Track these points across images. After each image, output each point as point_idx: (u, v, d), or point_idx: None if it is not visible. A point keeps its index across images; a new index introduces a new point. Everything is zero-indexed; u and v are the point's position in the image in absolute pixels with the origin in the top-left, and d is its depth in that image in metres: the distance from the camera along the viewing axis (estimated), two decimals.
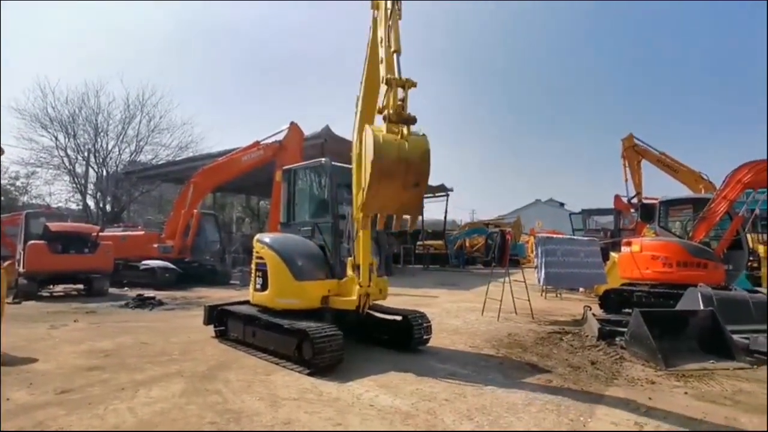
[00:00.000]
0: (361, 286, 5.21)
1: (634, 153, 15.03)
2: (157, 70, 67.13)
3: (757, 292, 8.28)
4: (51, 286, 12.00)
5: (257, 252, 5.82)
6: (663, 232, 9.38)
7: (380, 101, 4.18)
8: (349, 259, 5.43)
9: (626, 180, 15.21)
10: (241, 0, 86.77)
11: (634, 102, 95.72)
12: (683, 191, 13.50)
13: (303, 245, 5.78)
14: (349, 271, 5.36)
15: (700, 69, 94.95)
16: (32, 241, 11.11)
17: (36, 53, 50.33)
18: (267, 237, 5.93)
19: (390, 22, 4.49)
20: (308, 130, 14.69)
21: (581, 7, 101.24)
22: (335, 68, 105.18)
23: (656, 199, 10.44)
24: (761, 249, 11.60)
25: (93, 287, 11.44)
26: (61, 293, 11.90)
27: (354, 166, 5.22)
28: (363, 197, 4.03)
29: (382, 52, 4.35)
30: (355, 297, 5.20)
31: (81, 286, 11.91)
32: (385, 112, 3.87)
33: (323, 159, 6.22)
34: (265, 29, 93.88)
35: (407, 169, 3.79)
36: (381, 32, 4.55)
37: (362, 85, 5.29)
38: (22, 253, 11.22)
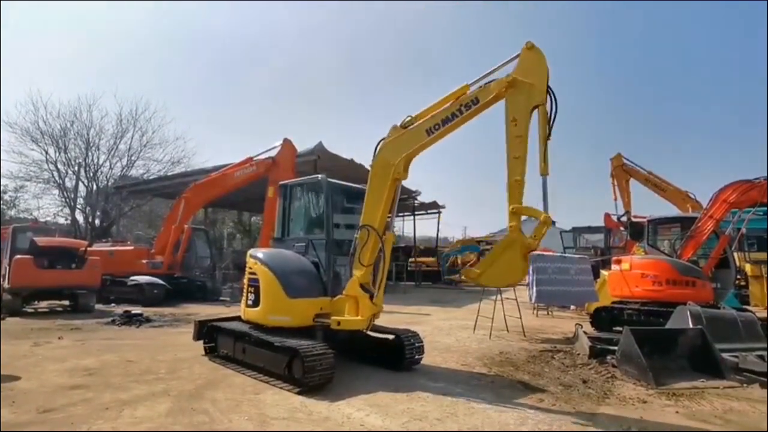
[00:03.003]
0: (375, 305, 5.22)
1: (622, 172, 15.27)
2: (150, 85, 67.33)
3: (746, 310, 8.37)
4: (36, 302, 11.75)
5: (250, 267, 5.77)
6: (652, 250, 9.49)
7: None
8: (355, 277, 5.23)
9: (615, 199, 15.41)
10: (237, 17, 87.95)
11: (623, 121, 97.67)
12: (672, 210, 13.70)
13: (297, 262, 5.76)
14: (353, 291, 5.20)
15: (690, 88, 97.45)
16: (18, 256, 10.92)
17: (29, 66, 50.36)
18: (260, 252, 5.89)
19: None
20: (301, 146, 14.76)
21: (568, 25, 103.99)
22: (329, 85, 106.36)
23: (645, 217, 10.59)
24: (748, 267, 11.75)
25: (79, 303, 11.22)
26: (46, 309, 11.66)
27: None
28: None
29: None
30: (365, 317, 5.16)
31: (66, 303, 11.69)
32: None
33: (319, 175, 6.25)
34: (260, 45, 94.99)
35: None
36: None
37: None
38: (7, 268, 11.01)
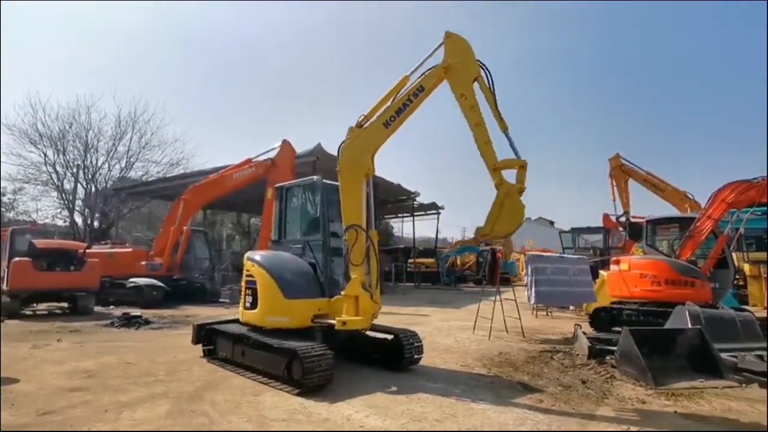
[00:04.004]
0: (375, 303, 5.33)
1: (621, 173, 15.28)
2: (149, 86, 67.33)
3: (744, 310, 8.38)
4: (34, 304, 11.73)
5: (247, 270, 5.78)
6: (651, 250, 9.49)
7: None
8: (355, 277, 5.25)
9: (614, 199, 15.41)
10: (238, 17, 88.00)
11: (622, 121, 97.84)
12: (670, 210, 13.71)
13: (293, 263, 5.76)
14: (355, 290, 5.20)
15: (688, 87, 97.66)
16: (17, 258, 10.91)
17: (27, 68, 50.34)
18: (257, 255, 5.90)
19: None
20: (300, 147, 14.76)
21: (568, 25, 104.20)
22: (328, 85, 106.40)
23: (644, 217, 10.60)
24: (747, 267, 11.76)
25: (78, 305, 11.21)
26: (45, 312, 11.64)
27: None
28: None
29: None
30: (366, 316, 5.21)
31: (65, 305, 11.67)
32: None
33: (315, 177, 6.26)
34: (260, 45, 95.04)
35: None
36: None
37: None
38: (6, 270, 10.99)
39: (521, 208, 5.09)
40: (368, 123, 5.53)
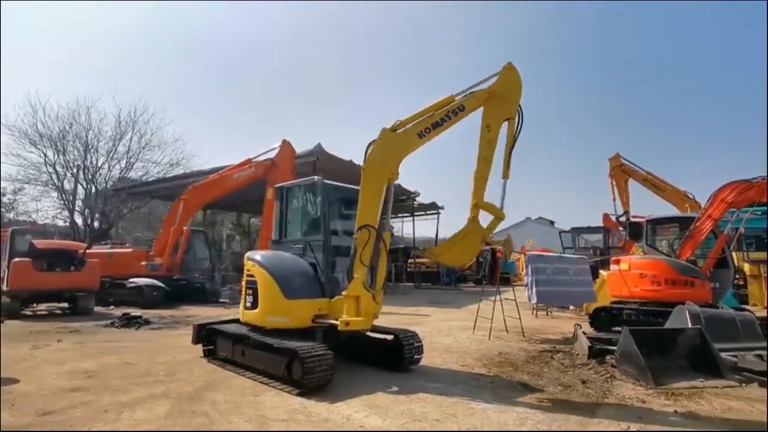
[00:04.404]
0: (377, 304, 5.37)
1: (621, 172, 15.29)
2: (148, 86, 67.37)
3: (744, 310, 8.38)
4: (34, 305, 11.73)
5: (248, 270, 5.78)
6: (650, 250, 9.50)
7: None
8: (358, 277, 5.21)
9: (614, 199, 15.42)
10: (238, 17, 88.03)
11: (622, 121, 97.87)
12: (670, 210, 13.71)
13: (294, 263, 5.76)
14: (357, 291, 5.18)
15: (688, 87, 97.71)
16: (17, 259, 10.91)
17: (27, 68, 50.36)
18: (258, 255, 5.90)
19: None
20: (300, 148, 14.77)
21: (567, 24, 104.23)
22: (328, 86, 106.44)
23: (644, 217, 10.60)
24: (747, 267, 11.77)
25: (78, 306, 11.21)
26: (45, 312, 11.65)
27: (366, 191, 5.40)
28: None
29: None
30: (368, 317, 5.22)
31: (65, 305, 11.68)
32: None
33: (316, 177, 6.26)
34: (259, 46, 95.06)
35: None
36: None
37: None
38: (6, 270, 11.00)
39: (475, 251, 5.68)
40: (402, 129, 5.48)
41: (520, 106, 5.58)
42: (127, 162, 27.56)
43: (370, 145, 5.42)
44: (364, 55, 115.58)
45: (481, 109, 5.57)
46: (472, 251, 5.60)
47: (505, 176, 5.54)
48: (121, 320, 9.71)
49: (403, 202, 24.73)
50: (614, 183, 15.38)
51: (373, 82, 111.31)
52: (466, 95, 5.55)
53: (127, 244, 18.12)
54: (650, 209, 12.74)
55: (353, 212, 5.52)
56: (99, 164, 26.90)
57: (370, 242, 5.23)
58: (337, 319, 5.27)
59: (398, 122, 5.50)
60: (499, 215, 5.41)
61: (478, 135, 5.57)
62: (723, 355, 5.59)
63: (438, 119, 5.49)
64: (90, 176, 26.69)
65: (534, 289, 8.90)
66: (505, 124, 5.55)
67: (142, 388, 4.78)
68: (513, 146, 5.55)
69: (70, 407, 4.14)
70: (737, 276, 10.39)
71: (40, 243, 11.68)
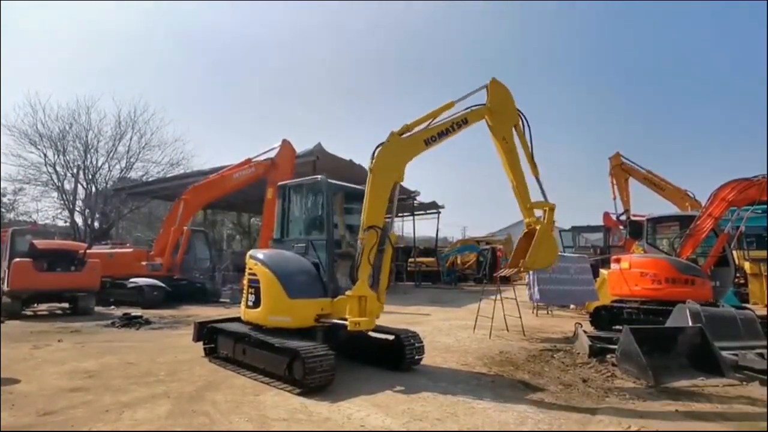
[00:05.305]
0: (381, 304, 5.39)
1: (621, 171, 15.29)
2: (148, 86, 67.35)
3: (745, 308, 8.37)
4: (35, 305, 11.73)
5: (250, 268, 5.77)
6: (651, 249, 9.49)
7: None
8: (363, 278, 5.20)
9: (614, 197, 15.43)
10: (238, 17, 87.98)
11: (622, 120, 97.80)
12: (671, 208, 13.71)
13: (297, 262, 5.75)
14: (362, 291, 5.16)
15: (689, 87, 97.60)
16: (17, 259, 10.91)
17: (27, 68, 50.34)
18: (261, 253, 5.88)
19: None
20: (300, 147, 14.76)
21: (567, 23, 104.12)
22: (328, 85, 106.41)
23: (644, 216, 10.59)
24: (747, 266, 11.76)
25: (78, 306, 11.20)
26: (45, 312, 11.65)
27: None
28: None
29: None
30: (372, 317, 5.22)
31: (66, 305, 11.67)
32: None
33: (319, 176, 6.24)
34: (259, 46, 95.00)
35: None
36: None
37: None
38: (6, 271, 11.00)
39: (556, 245, 6.16)
40: (409, 134, 5.63)
41: (519, 110, 6.11)
42: (127, 162, 27.59)
43: (377, 147, 5.46)
44: (364, 55, 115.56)
45: (483, 122, 6.03)
46: (555, 247, 6.08)
47: (535, 174, 6.11)
48: (121, 320, 9.70)
49: (404, 201, 24.72)
50: (614, 182, 15.38)
51: (373, 82, 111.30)
52: (468, 109, 5.94)
53: (128, 244, 18.11)
54: (650, 208, 12.76)
55: (355, 212, 5.53)
56: (99, 164, 26.95)
57: (377, 243, 5.24)
58: (339, 319, 5.27)
59: (405, 126, 5.67)
60: (549, 206, 5.96)
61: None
62: (724, 353, 5.58)
63: (444, 129, 5.82)
64: (90, 176, 26.70)
65: (535, 288, 8.91)
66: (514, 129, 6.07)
67: (143, 388, 4.78)
68: (531, 147, 6.12)
69: (70, 407, 4.14)
70: (738, 274, 10.39)
71: (40, 243, 11.68)
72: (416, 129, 5.68)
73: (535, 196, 6.02)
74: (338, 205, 6.33)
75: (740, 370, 5.49)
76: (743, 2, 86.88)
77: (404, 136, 5.58)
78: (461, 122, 5.92)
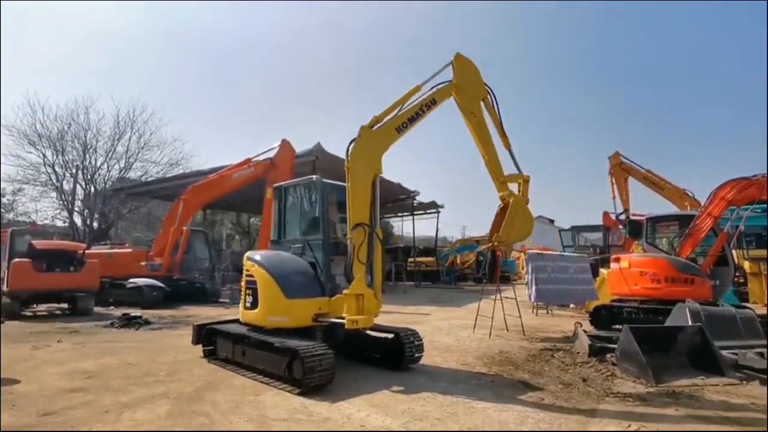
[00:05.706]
0: (379, 302, 5.44)
1: (620, 170, 15.29)
2: (147, 86, 67.27)
3: (744, 307, 8.38)
4: (34, 305, 11.72)
5: (247, 270, 5.77)
6: (650, 248, 9.49)
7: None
8: (359, 276, 5.19)
9: (614, 197, 15.43)
10: (237, 17, 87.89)
11: (622, 119, 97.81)
12: (670, 208, 13.71)
13: (293, 263, 5.75)
14: (360, 289, 5.16)
15: (689, 87, 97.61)
16: (16, 259, 10.90)
17: (26, 68, 50.25)
18: (257, 254, 5.89)
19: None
20: (300, 147, 14.76)
21: (567, 23, 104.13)
22: (328, 85, 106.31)
23: (644, 215, 10.59)
24: (747, 265, 11.77)
25: (77, 306, 11.21)
26: (45, 313, 11.64)
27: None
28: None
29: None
30: (370, 315, 5.24)
31: (65, 305, 11.66)
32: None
33: (314, 176, 6.25)
34: (259, 46, 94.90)
35: None
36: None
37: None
38: (6, 271, 10.98)
39: (531, 216, 6.07)
40: (380, 125, 5.58)
41: (486, 84, 6.26)
42: (126, 162, 27.57)
43: (350, 143, 5.41)
44: (364, 55, 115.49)
45: (452, 99, 6.11)
46: (530, 219, 6.08)
47: (507, 146, 6.22)
48: (121, 320, 9.70)
49: (403, 201, 24.74)
50: (614, 181, 15.38)
51: (372, 82, 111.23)
52: (434, 88, 5.97)
53: (127, 245, 18.10)
54: (650, 207, 12.77)
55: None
56: (98, 164, 26.93)
57: (366, 241, 5.24)
58: (338, 318, 5.26)
59: (374, 118, 5.62)
60: (524, 178, 6.01)
61: (473, 133, 5.97)
62: (723, 352, 5.58)
63: (413, 114, 5.80)
64: (89, 176, 26.68)
65: (534, 288, 8.91)
66: (482, 104, 6.20)
67: (143, 389, 4.77)
68: (500, 119, 6.25)
69: (70, 408, 4.13)
70: (737, 274, 10.40)
71: (39, 243, 11.67)
72: (386, 118, 5.63)
73: (508, 169, 6.17)
74: (333, 205, 6.32)
75: (740, 370, 5.49)
76: (743, 2, 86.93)
77: (375, 127, 5.52)
78: (430, 103, 5.91)
